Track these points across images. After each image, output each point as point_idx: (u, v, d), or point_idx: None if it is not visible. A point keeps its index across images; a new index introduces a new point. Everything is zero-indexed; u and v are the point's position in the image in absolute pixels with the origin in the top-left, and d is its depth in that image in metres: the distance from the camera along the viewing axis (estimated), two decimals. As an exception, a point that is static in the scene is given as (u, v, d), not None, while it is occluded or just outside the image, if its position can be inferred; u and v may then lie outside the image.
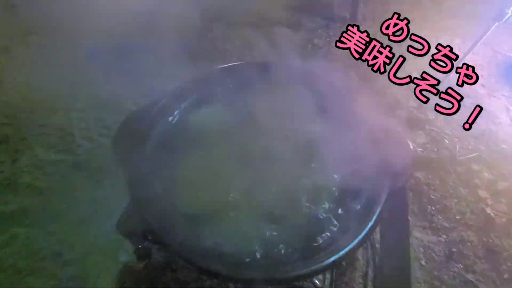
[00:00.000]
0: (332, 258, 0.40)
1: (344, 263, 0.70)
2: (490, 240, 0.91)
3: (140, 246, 0.72)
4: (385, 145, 0.48)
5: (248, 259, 0.44)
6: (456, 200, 1.00)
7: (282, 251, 0.44)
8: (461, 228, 0.94)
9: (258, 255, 0.43)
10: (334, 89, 0.57)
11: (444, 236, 0.92)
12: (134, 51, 1.51)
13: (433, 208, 0.99)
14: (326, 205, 0.46)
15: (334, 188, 0.48)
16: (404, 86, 1.34)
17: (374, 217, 0.41)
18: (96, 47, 1.52)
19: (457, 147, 1.14)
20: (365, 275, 0.80)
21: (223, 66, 0.58)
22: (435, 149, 1.14)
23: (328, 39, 1.63)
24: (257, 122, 0.51)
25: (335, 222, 0.48)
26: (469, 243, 0.90)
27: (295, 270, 0.41)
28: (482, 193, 1.02)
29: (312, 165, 0.49)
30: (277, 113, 0.52)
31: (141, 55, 1.49)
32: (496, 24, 1.04)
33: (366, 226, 0.40)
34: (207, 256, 0.43)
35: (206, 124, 0.51)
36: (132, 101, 1.26)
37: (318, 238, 0.46)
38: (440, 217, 0.96)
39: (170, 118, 0.52)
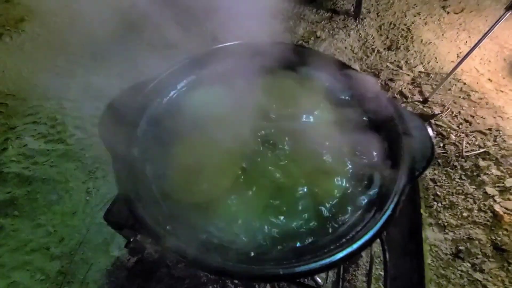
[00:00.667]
0: (341, 254, 0.36)
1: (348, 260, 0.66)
2: (499, 239, 0.87)
3: (131, 240, 0.68)
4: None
5: (246, 255, 0.39)
6: (463, 197, 0.97)
7: (281, 247, 0.39)
8: (468, 225, 0.90)
9: (254, 251, 0.39)
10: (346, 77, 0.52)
11: (451, 233, 0.89)
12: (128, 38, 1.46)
13: (439, 204, 0.95)
14: (334, 195, 0.41)
15: (341, 175, 0.43)
16: (408, 79, 1.30)
17: (391, 208, 0.37)
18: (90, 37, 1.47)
19: (464, 142, 1.10)
20: (368, 273, 0.77)
21: (225, 45, 0.54)
22: (441, 145, 1.10)
23: (331, 32, 1.58)
24: (256, 104, 0.47)
25: (341, 216, 0.44)
26: (477, 241, 0.87)
27: (299, 266, 0.37)
28: (490, 189, 0.98)
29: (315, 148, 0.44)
30: (281, 95, 0.48)
31: (133, 44, 1.44)
32: (510, 12, 1.00)
33: (380, 218, 0.36)
34: (202, 251, 0.39)
35: (202, 106, 0.47)
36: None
37: (323, 231, 0.42)
38: (446, 214, 0.93)
39: (165, 99, 0.47)
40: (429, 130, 0.42)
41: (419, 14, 1.72)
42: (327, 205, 0.41)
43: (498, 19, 1.01)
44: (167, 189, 0.42)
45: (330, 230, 0.39)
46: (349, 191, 0.41)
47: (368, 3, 1.79)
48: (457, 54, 1.45)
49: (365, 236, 0.35)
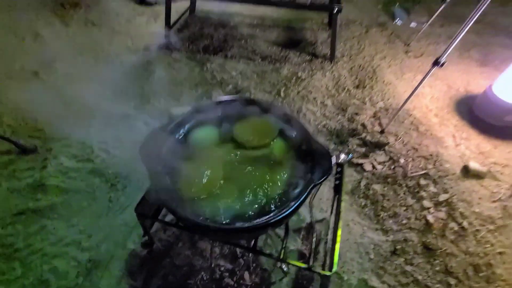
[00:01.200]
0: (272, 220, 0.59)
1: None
2: (428, 240, 1.12)
3: (145, 237, 0.94)
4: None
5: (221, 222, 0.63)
6: (404, 208, 1.22)
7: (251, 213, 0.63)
8: (406, 230, 1.15)
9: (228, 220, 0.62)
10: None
11: (391, 236, 1.13)
12: (145, 76, 1.79)
13: (385, 214, 1.20)
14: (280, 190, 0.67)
15: (281, 182, 0.69)
16: (370, 113, 1.59)
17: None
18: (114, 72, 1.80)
19: (409, 165, 1.38)
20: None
21: (215, 100, 0.81)
22: (392, 167, 1.38)
23: (310, 72, 1.91)
24: (234, 139, 0.75)
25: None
26: (410, 242, 1.11)
27: (253, 223, 0.60)
28: (426, 203, 1.24)
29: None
30: (249, 132, 0.76)
31: (154, 81, 1.76)
32: (435, 68, 1.31)
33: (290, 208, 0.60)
34: (201, 218, 0.62)
35: (201, 140, 0.75)
36: (142, 121, 1.51)
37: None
38: (390, 221, 1.18)
39: (177, 135, 0.75)
40: (333, 158, 0.69)
41: (385, 58, 2.07)
42: (272, 197, 0.67)
43: (426, 75, 1.33)
44: (178, 189, 0.68)
45: (271, 209, 0.64)
46: (286, 191, 0.67)
47: (343, 48, 2.14)
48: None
49: (284, 214, 0.61)
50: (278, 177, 0.69)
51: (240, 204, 0.64)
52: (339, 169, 0.90)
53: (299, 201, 0.61)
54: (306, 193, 0.62)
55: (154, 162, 0.65)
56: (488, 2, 1.16)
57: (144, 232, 0.87)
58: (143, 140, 0.68)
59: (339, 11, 1.73)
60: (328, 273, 0.70)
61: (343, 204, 1.17)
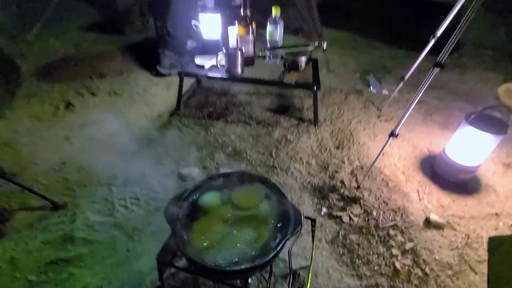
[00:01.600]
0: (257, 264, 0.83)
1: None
2: (396, 284, 1.32)
3: (159, 282, 1.15)
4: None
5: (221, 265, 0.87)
6: (376, 256, 1.44)
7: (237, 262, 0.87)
8: (377, 275, 1.35)
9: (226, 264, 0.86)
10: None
11: (365, 281, 1.33)
12: (159, 140, 2.12)
13: (360, 261, 1.42)
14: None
15: (267, 235, 0.95)
16: (348, 171, 1.87)
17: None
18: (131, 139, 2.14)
19: (381, 217, 1.63)
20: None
21: (220, 172, 1.11)
22: (366, 219, 1.62)
23: (298, 135, 2.26)
24: (235, 202, 1.04)
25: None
26: (381, 286, 1.31)
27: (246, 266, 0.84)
28: (395, 251, 1.46)
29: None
30: (242, 196, 1.05)
31: (165, 144, 2.09)
32: (391, 138, 1.65)
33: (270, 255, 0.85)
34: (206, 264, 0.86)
35: (209, 202, 1.03)
36: (156, 180, 1.80)
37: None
38: (364, 268, 1.39)
39: (191, 199, 1.03)
40: (302, 218, 0.96)
41: (360, 122, 2.45)
42: (260, 246, 0.92)
43: (384, 144, 1.66)
44: (190, 241, 0.93)
45: (256, 254, 0.88)
46: (268, 242, 0.93)
47: (326, 113, 2.54)
48: (383, 154, 2.09)
49: (266, 260, 0.85)
50: (263, 231, 0.95)
51: (234, 253, 0.89)
52: (313, 223, 1.16)
53: (275, 251, 0.86)
54: (281, 245, 0.88)
55: (174, 221, 0.92)
56: (432, 76, 1.55)
57: (159, 277, 1.09)
58: (166, 204, 0.96)
59: (318, 89, 2.16)
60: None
61: (324, 253, 1.40)
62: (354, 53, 3.68)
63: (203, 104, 2.61)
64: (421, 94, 1.62)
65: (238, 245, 0.91)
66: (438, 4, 3.36)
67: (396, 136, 1.65)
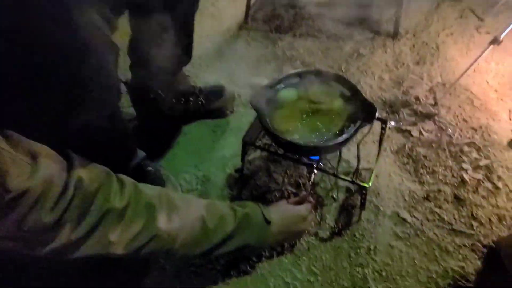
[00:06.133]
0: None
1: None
2: (459, 193, 1.34)
3: (240, 164, 1.39)
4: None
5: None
6: (443, 168, 1.44)
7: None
8: (440, 184, 1.38)
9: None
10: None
11: (426, 187, 1.38)
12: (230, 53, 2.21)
13: (424, 171, 1.44)
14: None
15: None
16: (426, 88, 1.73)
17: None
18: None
19: (456, 134, 1.55)
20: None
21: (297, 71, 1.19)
22: (438, 134, 1.57)
23: (371, 49, 2.09)
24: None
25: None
26: (443, 193, 1.35)
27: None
28: (465, 165, 1.43)
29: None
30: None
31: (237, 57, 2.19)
32: (491, 47, 1.42)
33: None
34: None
35: (287, 97, 1.15)
36: (231, 89, 1.96)
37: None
38: (427, 177, 1.42)
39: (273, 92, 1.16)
40: (375, 111, 1.00)
41: (452, 34, 2.10)
42: (335, 132, 1.03)
43: (481, 53, 1.44)
44: (272, 124, 1.09)
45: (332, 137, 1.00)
46: (343, 129, 1.03)
47: (408, 24, 2.23)
48: (474, 70, 1.83)
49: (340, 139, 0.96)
50: (338, 121, 1.04)
51: (312, 137, 1.02)
52: (383, 125, 1.20)
53: (350, 134, 0.96)
54: (354, 129, 0.96)
55: (260, 107, 1.06)
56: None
57: (241, 157, 1.32)
58: (252, 94, 1.10)
59: (405, -10, 1.85)
60: (366, 185, 1.05)
61: (387, 160, 1.46)
62: None
63: (270, 17, 2.52)
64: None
65: (315, 131, 1.03)
66: None
67: (499, 43, 1.41)
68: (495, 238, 1.19)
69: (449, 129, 1.57)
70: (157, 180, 1.28)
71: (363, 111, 1.01)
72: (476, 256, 1.17)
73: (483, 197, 1.32)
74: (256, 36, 2.40)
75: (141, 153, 1.26)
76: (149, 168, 1.27)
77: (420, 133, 1.58)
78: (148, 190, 0.69)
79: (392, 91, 1.81)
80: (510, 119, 1.56)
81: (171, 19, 1.10)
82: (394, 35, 2.13)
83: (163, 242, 0.66)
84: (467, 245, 1.20)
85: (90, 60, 0.57)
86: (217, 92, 1.67)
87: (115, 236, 0.58)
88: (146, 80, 1.30)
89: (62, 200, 0.51)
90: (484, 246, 1.19)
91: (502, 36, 1.38)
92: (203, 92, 1.64)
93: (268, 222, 0.90)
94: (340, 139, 0.95)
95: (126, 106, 1.63)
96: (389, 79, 1.89)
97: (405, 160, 1.50)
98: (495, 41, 1.40)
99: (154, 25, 1.10)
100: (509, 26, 1.36)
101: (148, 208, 0.65)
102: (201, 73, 2.09)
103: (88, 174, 0.58)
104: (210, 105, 1.65)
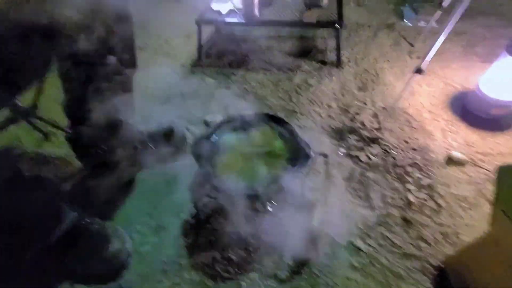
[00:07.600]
0: None
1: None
2: (407, 215, 1.40)
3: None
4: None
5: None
6: (391, 190, 1.51)
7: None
8: (389, 207, 1.44)
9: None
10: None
11: (377, 211, 1.43)
12: (185, 89, 2.22)
13: (374, 195, 1.50)
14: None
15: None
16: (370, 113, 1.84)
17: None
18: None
19: (399, 156, 1.65)
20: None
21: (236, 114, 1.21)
22: (384, 157, 1.66)
23: (319, 79, 2.21)
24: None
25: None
26: (392, 216, 1.40)
27: None
28: (410, 186, 1.51)
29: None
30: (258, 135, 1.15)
31: (191, 93, 2.20)
32: (413, 75, 1.56)
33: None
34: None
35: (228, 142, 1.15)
36: (184, 126, 1.95)
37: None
38: (378, 201, 1.48)
39: (213, 139, 1.16)
40: (310, 151, 1.04)
41: (388, 61, 2.30)
42: (272, 176, 1.05)
43: (407, 82, 1.58)
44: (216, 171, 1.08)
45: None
46: (280, 173, 1.05)
47: (350, 53, 2.41)
48: (409, 93, 1.99)
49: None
50: (277, 165, 1.06)
51: (251, 182, 1.03)
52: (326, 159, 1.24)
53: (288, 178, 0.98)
54: (287, 175, 0.99)
55: (199, 157, 1.06)
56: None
57: (194, 204, 1.29)
58: (192, 144, 1.09)
59: (341, 27, 2.02)
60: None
61: (338, 188, 1.50)
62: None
63: (223, 53, 2.60)
64: (456, 21, 1.46)
65: (254, 176, 1.04)
66: None
67: (422, 72, 1.56)
68: (442, 258, 1.25)
69: (393, 151, 1.67)
70: (99, 237, 1.20)
71: (300, 150, 1.05)
72: (427, 279, 1.21)
73: (428, 216, 1.39)
74: (211, 72, 2.46)
75: (71, 214, 1.18)
76: (89, 226, 1.19)
77: (368, 157, 1.67)
78: None
79: (340, 118, 1.91)
80: (444, 138, 1.70)
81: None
82: (338, 64, 2.28)
83: None
84: (418, 268, 1.24)
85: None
86: (166, 134, 1.65)
87: None
88: (87, 136, 1.25)
89: None
90: (433, 267, 1.24)
91: (424, 65, 1.53)
92: (152, 137, 1.61)
93: None
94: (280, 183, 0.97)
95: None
96: (336, 106, 2.00)
97: (356, 186, 1.55)
98: (419, 70, 1.55)
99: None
100: (428, 56, 1.52)
101: None
102: (154, 112, 2.07)
103: None
104: (160, 149, 1.62)
